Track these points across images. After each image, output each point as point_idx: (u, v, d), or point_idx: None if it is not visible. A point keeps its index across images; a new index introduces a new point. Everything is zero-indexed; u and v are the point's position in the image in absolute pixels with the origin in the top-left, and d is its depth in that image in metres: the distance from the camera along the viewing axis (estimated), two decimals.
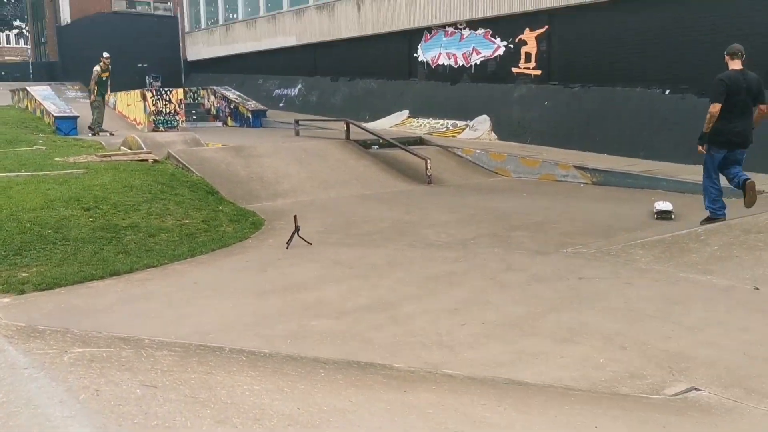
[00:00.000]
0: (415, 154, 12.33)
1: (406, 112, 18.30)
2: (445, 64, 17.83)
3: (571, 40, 14.82)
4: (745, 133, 7.13)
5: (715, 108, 7.00)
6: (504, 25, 16.17)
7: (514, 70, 16.01)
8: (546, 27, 15.22)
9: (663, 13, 13.08)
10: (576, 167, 11.87)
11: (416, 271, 6.02)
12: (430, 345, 4.24)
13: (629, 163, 12.16)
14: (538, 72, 15.45)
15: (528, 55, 15.71)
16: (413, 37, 18.74)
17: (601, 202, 9.71)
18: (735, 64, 7.33)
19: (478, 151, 13.47)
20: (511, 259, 6.40)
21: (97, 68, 15.90)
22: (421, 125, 17.28)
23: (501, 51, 16.32)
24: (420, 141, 14.62)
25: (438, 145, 14.16)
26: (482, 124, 16.03)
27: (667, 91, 13.04)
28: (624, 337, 4.27)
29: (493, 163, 13.08)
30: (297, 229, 7.11)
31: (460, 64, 17.40)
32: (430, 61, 18.29)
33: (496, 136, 15.59)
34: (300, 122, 16.15)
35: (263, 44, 24.38)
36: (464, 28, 17.22)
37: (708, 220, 7.33)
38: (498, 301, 5.08)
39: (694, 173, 10.99)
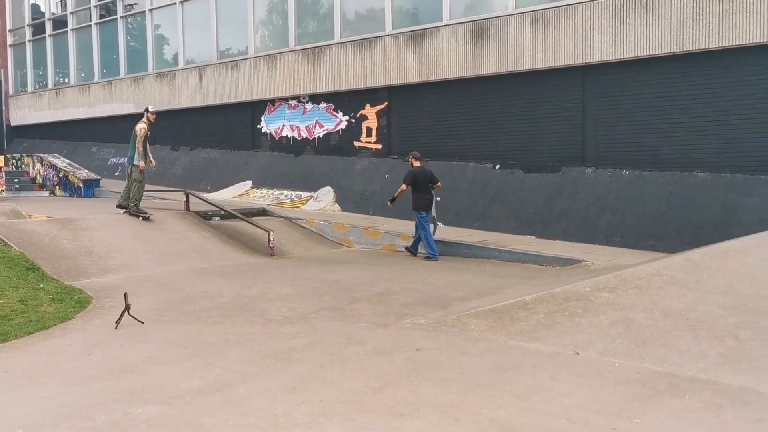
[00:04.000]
0: (258, 226, 12.18)
1: (249, 183, 18.15)
2: (289, 135, 18.01)
3: (410, 116, 15.57)
4: (429, 202, 11.56)
5: (403, 187, 11.61)
6: (346, 100, 16.70)
7: (356, 143, 16.49)
8: (385, 103, 15.90)
9: (490, 94, 14.13)
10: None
11: (254, 348, 5.85)
12: (266, 427, 4.08)
13: (465, 233, 12.79)
14: (379, 146, 16.01)
15: (369, 130, 16.28)
16: (256, 108, 18.83)
17: (439, 272, 10.06)
18: (417, 163, 11.81)
19: (321, 222, 13.57)
20: (352, 332, 6.40)
21: (143, 125, 12.10)
22: (264, 196, 17.18)
23: (343, 125, 16.78)
24: (263, 212, 14.50)
25: (282, 217, 14.11)
26: (326, 195, 16.24)
27: (498, 167, 13.97)
28: (458, 408, 4.36)
29: (337, 234, 13.21)
30: (127, 307, 6.70)
31: (304, 137, 17.65)
32: (274, 133, 18.40)
33: (339, 208, 15.83)
34: None
35: (97, 111, 23.39)
36: (307, 102, 17.58)
37: (428, 258, 11.34)
38: (337, 377, 5.03)
39: (523, 243, 11.77)
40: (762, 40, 10.77)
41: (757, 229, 9.50)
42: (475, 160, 14.39)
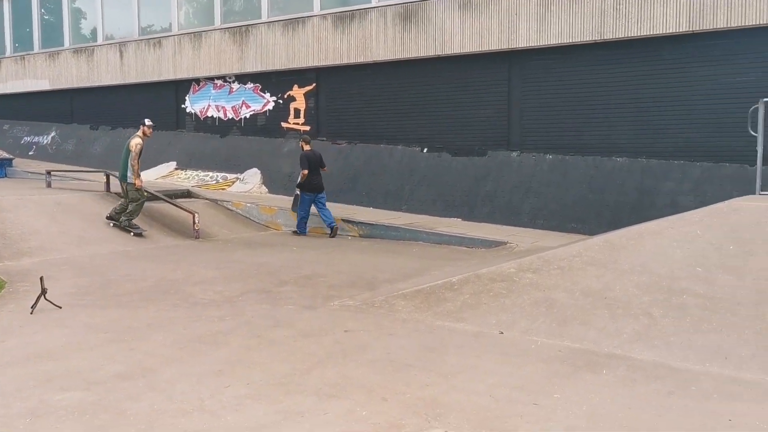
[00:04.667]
0: (182, 208, 11.90)
1: (173, 164, 17.69)
2: (215, 116, 17.62)
3: (338, 98, 15.48)
4: (320, 184, 12.01)
5: (305, 172, 11.92)
6: (273, 81, 16.45)
7: (284, 124, 16.29)
8: (313, 84, 15.75)
9: (418, 77, 14.20)
10: (344, 220, 12.26)
11: (179, 332, 5.73)
12: (191, 411, 4.02)
13: (393, 216, 12.86)
14: (307, 128, 15.86)
15: (297, 111, 16.10)
16: (180, 87, 18.32)
17: (368, 254, 10.10)
18: (308, 147, 12.27)
19: (248, 204, 13.38)
20: (279, 315, 6.36)
21: (138, 140, 10.98)
22: (189, 177, 16.79)
23: (270, 106, 16.54)
24: (188, 194, 14.17)
25: (207, 199, 13.83)
26: (253, 177, 16.00)
27: (425, 150, 14.08)
28: (385, 388, 4.40)
29: (264, 216, 13.06)
30: (44, 291, 6.44)
31: (230, 117, 17.31)
32: (199, 113, 17.96)
33: (267, 190, 15.64)
34: (53, 173, 14.83)
35: (9, 87, 22.24)
36: (233, 82, 17.22)
37: (295, 233, 12.18)
38: (264, 360, 4.99)
39: (450, 225, 11.94)
40: (677, 30, 11.20)
41: (670, 211, 9.93)
42: (403, 143, 14.46)
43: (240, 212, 13.30)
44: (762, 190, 8.73)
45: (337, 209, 13.26)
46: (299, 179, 12.12)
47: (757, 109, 8.66)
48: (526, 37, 12.63)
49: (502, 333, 5.73)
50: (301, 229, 12.15)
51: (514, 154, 13.06)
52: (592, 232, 11.00)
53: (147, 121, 11.29)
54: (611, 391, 4.43)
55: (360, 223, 12.16)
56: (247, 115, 16.98)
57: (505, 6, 12.83)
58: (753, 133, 8.74)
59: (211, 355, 5.12)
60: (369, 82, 14.95)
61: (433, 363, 4.95)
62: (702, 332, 5.29)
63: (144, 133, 11.15)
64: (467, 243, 10.93)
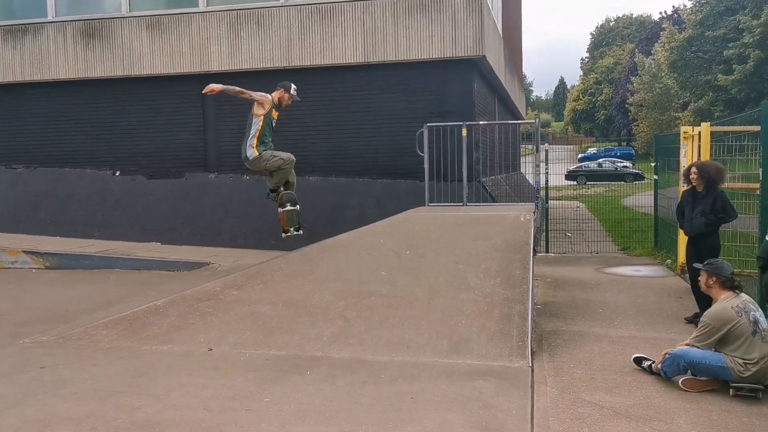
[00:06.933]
0: None
1: None
2: None
3: (12, 118, 14.07)
4: None
5: None
6: None
7: None
8: None
9: (107, 98, 13.57)
10: (26, 252, 11.21)
11: None
12: None
13: (85, 244, 12.10)
14: None
15: None
16: None
17: (58, 287, 9.41)
18: None
19: None
20: None
21: (266, 95, 7.76)
22: None
23: None
24: None
25: None
26: None
27: (118, 173, 13.50)
28: (94, 417, 4.27)
29: None
30: None
31: None
32: None
33: None
34: None
35: None
36: None
37: None
38: None
39: (149, 250, 11.65)
40: (356, 61, 12.38)
41: (359, 224, 10.92)
42: (92, 166, 13.66)
43: None
44: (430, 202, 10.13)
45: (16, 240, 12.08)
46: None
47: (422, 133, 10.04)
48: (219, 61, 12.87)
49: (211, 350, 5.87)
50: None
51: (212, 175, 13.19)
52: (291, 247, 11.59)
53: (293, 87, 7.98)
54: (315, 388, 4.86)
55: (46, 254, 11.21)
56: None
57: (195, 29, 12.93)
58: (420, 153, 10.10)
59: None
60: (49, 101, 13.85)
61: (143, 386, 4.91)
62: (388, 327, 6.03)
63: (283, 98, 7.87)
64: (169, 266, 10.76)
